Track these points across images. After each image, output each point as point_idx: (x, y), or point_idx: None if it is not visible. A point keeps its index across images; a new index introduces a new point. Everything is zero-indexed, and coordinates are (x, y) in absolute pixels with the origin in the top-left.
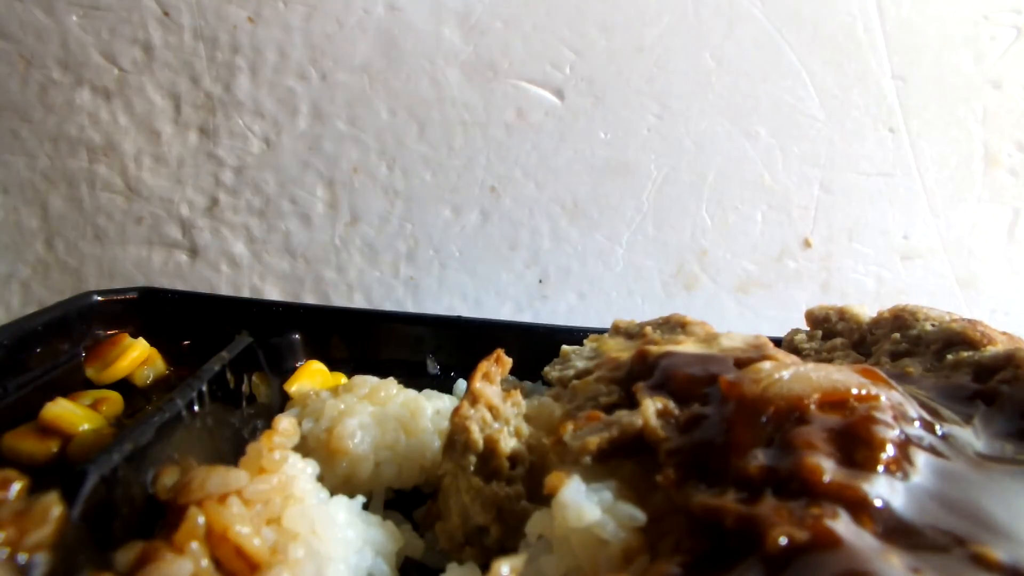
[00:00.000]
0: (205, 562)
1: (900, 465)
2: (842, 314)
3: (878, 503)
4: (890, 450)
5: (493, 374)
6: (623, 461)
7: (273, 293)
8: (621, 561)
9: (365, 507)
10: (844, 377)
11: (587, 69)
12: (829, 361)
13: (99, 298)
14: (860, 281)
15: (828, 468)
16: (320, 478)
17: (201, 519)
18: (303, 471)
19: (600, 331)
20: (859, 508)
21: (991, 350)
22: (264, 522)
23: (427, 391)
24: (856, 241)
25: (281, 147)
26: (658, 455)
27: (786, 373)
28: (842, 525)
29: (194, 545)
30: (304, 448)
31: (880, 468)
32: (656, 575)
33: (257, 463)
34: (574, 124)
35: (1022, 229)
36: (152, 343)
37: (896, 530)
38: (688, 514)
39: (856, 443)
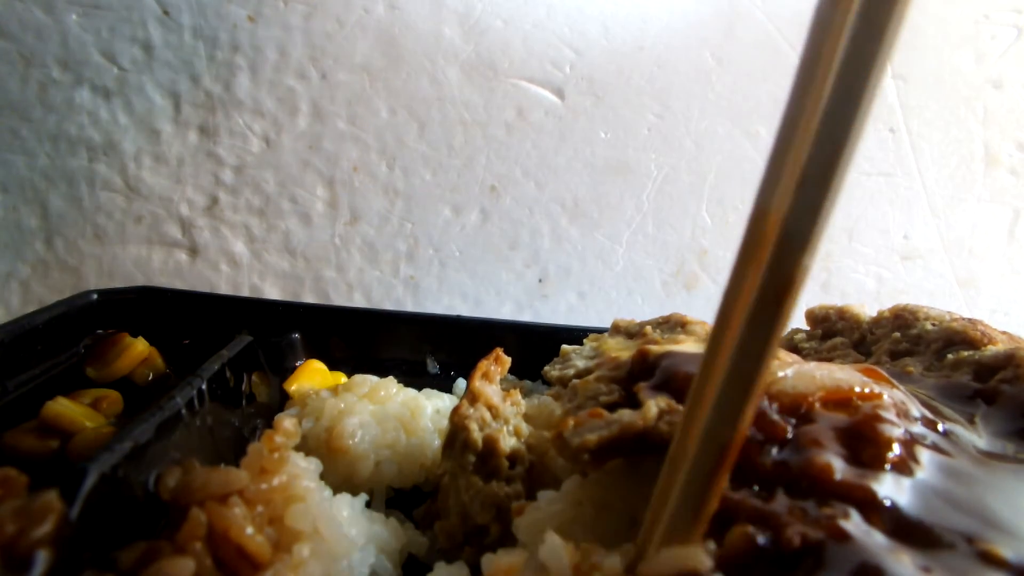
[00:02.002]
0: (208, 562)
1: (906, 463)
2: (842, 313)
3: (887, 502)
4: (896, 448)
5: (492, 373)
6: (623, 459)
7: (273, 292)
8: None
9: (368, 505)
10: (847, 376)
11: (587, 68)
12: (829, 360)
13: (99, 297)
14: (860, 281)
15: (838, 467)
16: (321, 477)
17: (203, 519)
18: (305, 470)
19: (600, 330)
20: (869, 507)
21: (991, 349)
22: (266, 521)
23: (427, 390)
24: (856, 241)
25: (281, 146)
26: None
27: (789, 372)
28: (853, 524)
29: (196, 545)
30: (304, 447)
31: (887, 467)
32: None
33: (258, 463)
34: (574, 123)
35: (1022, 229)
36: (152, 342)
37: (905, 528)
38: None
39: (863, 442)
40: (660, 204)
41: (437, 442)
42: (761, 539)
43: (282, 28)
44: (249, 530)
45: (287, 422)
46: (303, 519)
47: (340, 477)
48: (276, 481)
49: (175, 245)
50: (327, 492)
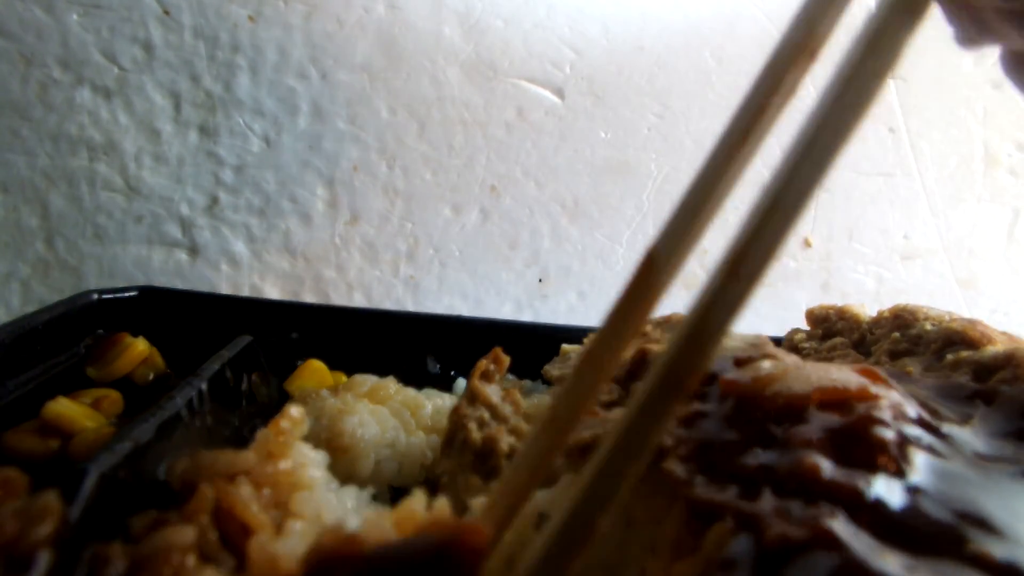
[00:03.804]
0: (213, 537)
1: (898, 465)
2: (842, 313)
3: (876, 503)
4: (889, 450)
5: (492, 373)
6: None
7: (273, 292)
8: None
9: (374, 498)
10: (843, 376)
11: (587, 68)
12: (829, 360)
13: (99, 297)
14: (860, 281)
15: (826, 467)
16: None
17: (211, 494)
18: (313, 460)
19: None
20: (856, 507)
21: (991, 350)
22: (272, 505)
23: (427, 390)
24: (856, 241)
25: (281, 146)
26: (661, 453)
27: (785, 372)
28: (839, 524)
29: (203, 518)
30: None
31: (878, 468)
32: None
33: (265, 447)
34: (574, 123)
35: (1022, 229)
36: (152, 342)
37: (893, 530)
38: (687, 504)
39: (855, 442)
40: (660, 204)
41: (437, 441)
42: (742, 538)
43: (282, 28)
44: (254, 508)
45: (293, 409)
46: (307, 506)
47: (341, 476)
48: (283, 465)
49: (175, 245)
50: (335, 484)
